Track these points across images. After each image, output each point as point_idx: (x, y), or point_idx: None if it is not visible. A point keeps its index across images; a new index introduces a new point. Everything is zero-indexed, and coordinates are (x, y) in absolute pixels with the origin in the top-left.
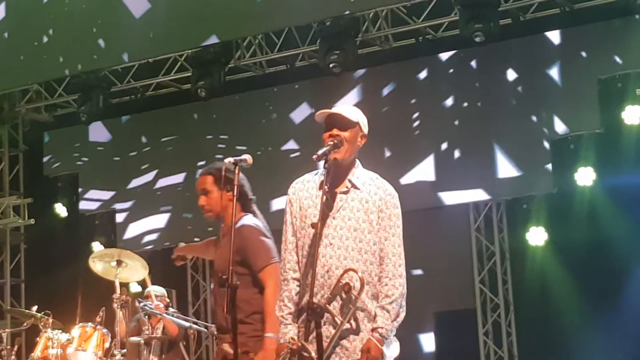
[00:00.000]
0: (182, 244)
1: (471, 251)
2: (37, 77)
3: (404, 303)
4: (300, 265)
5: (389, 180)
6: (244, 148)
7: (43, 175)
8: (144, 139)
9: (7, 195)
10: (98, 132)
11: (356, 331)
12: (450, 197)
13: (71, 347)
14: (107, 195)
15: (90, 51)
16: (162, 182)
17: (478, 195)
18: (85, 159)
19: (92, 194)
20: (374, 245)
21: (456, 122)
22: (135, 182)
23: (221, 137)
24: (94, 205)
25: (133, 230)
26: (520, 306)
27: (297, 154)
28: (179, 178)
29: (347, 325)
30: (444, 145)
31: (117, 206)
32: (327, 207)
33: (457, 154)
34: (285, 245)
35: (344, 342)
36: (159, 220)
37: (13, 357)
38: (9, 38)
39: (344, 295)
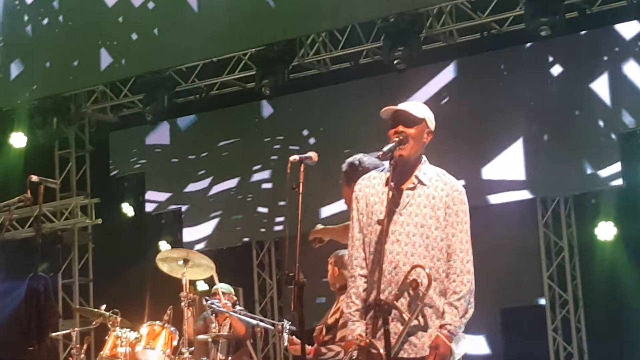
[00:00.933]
0: (319, 226)
1: (539, 247)
2: (102, 78)
3: (472, 299)
4: (368, 262)
5: (455, 177)
6: (298, 148)
7: (109, 175)
8: (205, 142)
9: (74, 196)
10: (163, 133)
11: (424, 327)
12: (518, 193)
13: (140, 345)
14: (166, 196)
15: (154, 51)
16: (217, 188)
17: (546, 190)
18: (151, 159)
19: (153, 195)
20: (441, 242)
21: (524, 118)
22: (193, 187)
23: (278, 137)
24: (151, 207)
25: (188, 231)
26: (590, 302)
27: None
28: (232, 182)
29: (415, 322)
30: (512, 141)
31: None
32: (393, 204)
33: (524, 149)
34: (352, 241)
35: (412, 338)
36: (212, 223)
37: (82, 355)
38: (74, 40)
39: (411, 292)
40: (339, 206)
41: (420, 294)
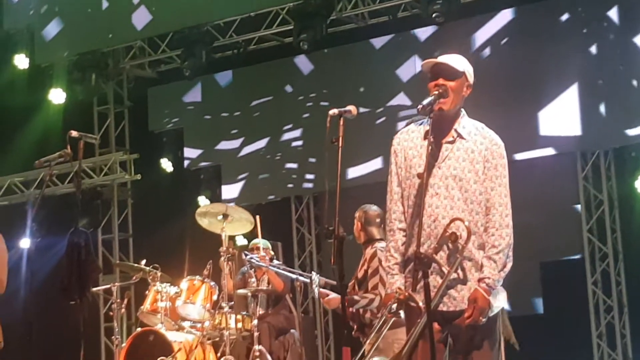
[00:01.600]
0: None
1: (579, 200)
2: (140, 33)
3: (510, 253)
4: (406, 216)
5: (493, 130)
6: (328, 104)
7: (148, 131)
8: (241, 98)
9: (113, 152)
10: (201, 89)
11: (463, 281)
12: (558, 145)
13: (180, 299)
14: (203, 152)
15: (192, 6)
16: (253, 146)
17: (585, 143)
18: (189, 115)
19: (191, 151)
20: (479, 195)
21: (564, 69)
22: (229, 144)
23: (311, 94)
24: (189, 163)
25: (227, 186)
26: (630, 255)
27: (407, 111)
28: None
29: (454, 275)
30: (551, 93)
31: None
32: (432, 157)
33: (564, 101)
34: (390, 195)
35: (452, 291)
36: (249, 179)
37: (123, 310)
38: None
39: (450, 245)
40: (369, 167)
41: (459, 247)
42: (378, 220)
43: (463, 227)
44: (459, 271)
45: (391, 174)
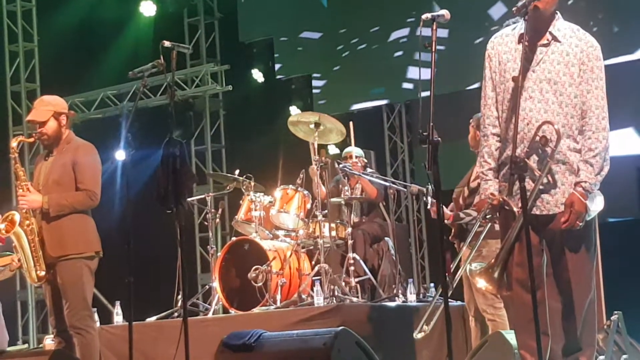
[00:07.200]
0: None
1: None
2: None
3: (607, 156)
4: (500, 121)
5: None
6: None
7: (238, 41)
8: (329, 9)
9: (204, 63)
10: None
11: (555, 184)
12: None
13: (274, 209)
14: (295, 63)
15: None
16: (339, 59)
17: None
18: (279, 26)
19: (282, 61)
20: (574, 99)
21: None
22: (321, 52)
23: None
24: (280, 73)
25: (318, 95)
26: None
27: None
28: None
29: (545, 179)
30: None
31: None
32: (526, 60)
33: None
34: (484, 100)
35: (545, 195)
36: (343, 87)
37: (217, 219)
38: None
39: (540, 150)
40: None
41: (549, 151)
42: None
43: (553, 130)
44: (551, 175)
45: (485, 78)
